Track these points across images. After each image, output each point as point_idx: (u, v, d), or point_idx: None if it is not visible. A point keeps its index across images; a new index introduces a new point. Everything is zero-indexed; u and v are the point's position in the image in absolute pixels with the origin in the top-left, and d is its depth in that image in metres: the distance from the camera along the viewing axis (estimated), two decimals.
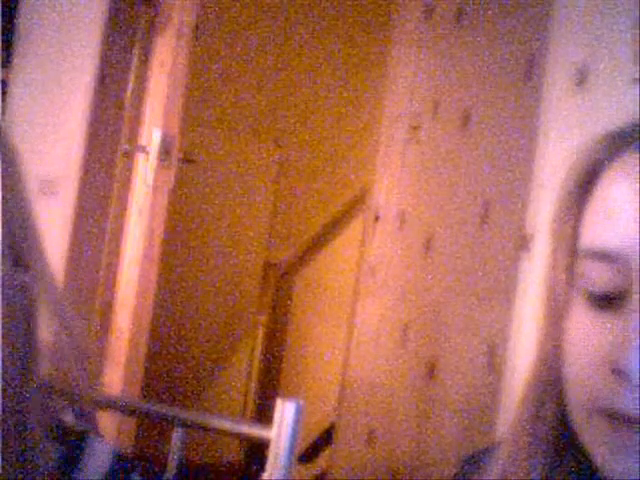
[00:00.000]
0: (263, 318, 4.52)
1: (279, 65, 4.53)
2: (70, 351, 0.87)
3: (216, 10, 4.26)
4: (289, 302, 4.50)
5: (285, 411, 1.39)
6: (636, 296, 0.69)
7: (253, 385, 4.48)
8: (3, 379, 0.81)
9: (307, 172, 4.65)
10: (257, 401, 4.46)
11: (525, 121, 2.40)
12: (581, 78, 2.17)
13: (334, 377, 3.60)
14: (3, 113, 0.76)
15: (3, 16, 2.53)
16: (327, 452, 3.65)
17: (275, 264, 4.53)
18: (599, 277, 0.71)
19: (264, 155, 4.48)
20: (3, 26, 2.54)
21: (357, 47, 4.57)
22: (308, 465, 4.09)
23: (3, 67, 2.58)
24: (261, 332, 4.52)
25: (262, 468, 1.41)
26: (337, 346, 3.81)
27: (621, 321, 0.70)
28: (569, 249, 0.74)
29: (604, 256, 0.71)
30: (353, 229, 4.27)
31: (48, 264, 0.87)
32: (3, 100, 2.49)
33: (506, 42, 2.57)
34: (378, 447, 2.84)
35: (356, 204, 4.33)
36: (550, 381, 0.76)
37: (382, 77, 3.22)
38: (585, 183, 0.74)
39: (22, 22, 2.59)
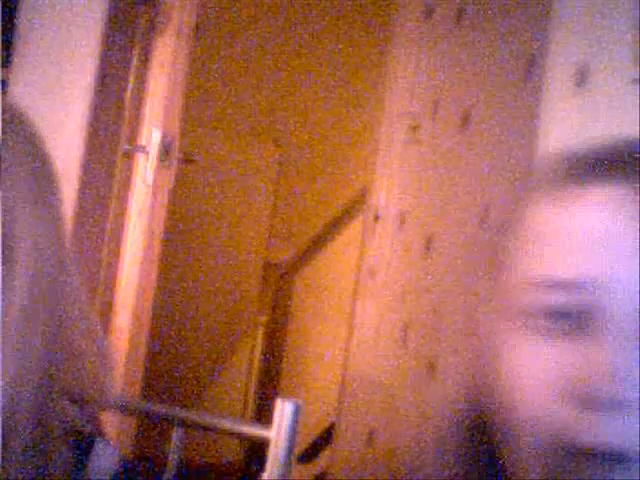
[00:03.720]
0: (263, 318, 4.52)
1: (279, 65, 4.53)
2: (94, 354, 0.87)
3: (216, 10, 4.26)
4: (289, 302, 4.50)
5: (284, 411, 1.39)
6: (601, 320, 0.67)
7: (253, 385, 4.48)
8: (29, 376, 0.81)
9: (307, 172, 4.65)
10: (257, 401, 4.46)
11: (525, 121, 2.40)
12: (581, 78, 2.17)
13: (334, 377, 3.60)
14: (3, 113, 0.77)
15: (3, 16, 2.53)
16: (327, 452, 3.65)
17: (275, 264, 4.53)
18: (560, 305, 0.68)
19: (264, 155, 4.48)
20: (3, 26, 2.54)
21: (357, 47, 4.57)
22: (308, 465, 4.09)
23: (3, 67, 2.58)
24: (261, 332, 4.52)
25: (262, 468, 1.41)
26: (337, 346, 3.81)
27: (585, 347, 0.66)
28: (511, 278, 0.72)
29: (564, 284, 0.68)
30: (353, 229, 4.27)
31: (75, 266, 0.88)
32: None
33: (506, 42, 2.57)
34: (378, 447, 2.84)
35: (356, 204, 4.33)
36: (482, 421, 0.74)
37: (382, 77, 3.22)
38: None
39: (22, 22, 2.59)
